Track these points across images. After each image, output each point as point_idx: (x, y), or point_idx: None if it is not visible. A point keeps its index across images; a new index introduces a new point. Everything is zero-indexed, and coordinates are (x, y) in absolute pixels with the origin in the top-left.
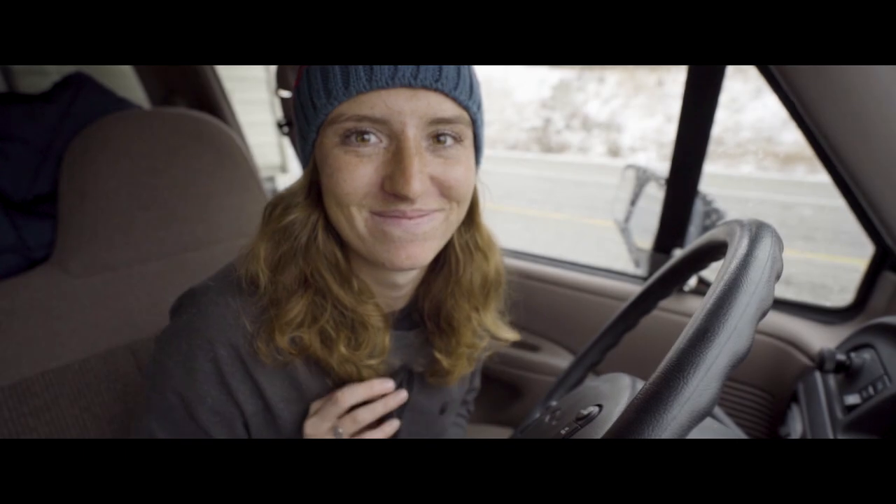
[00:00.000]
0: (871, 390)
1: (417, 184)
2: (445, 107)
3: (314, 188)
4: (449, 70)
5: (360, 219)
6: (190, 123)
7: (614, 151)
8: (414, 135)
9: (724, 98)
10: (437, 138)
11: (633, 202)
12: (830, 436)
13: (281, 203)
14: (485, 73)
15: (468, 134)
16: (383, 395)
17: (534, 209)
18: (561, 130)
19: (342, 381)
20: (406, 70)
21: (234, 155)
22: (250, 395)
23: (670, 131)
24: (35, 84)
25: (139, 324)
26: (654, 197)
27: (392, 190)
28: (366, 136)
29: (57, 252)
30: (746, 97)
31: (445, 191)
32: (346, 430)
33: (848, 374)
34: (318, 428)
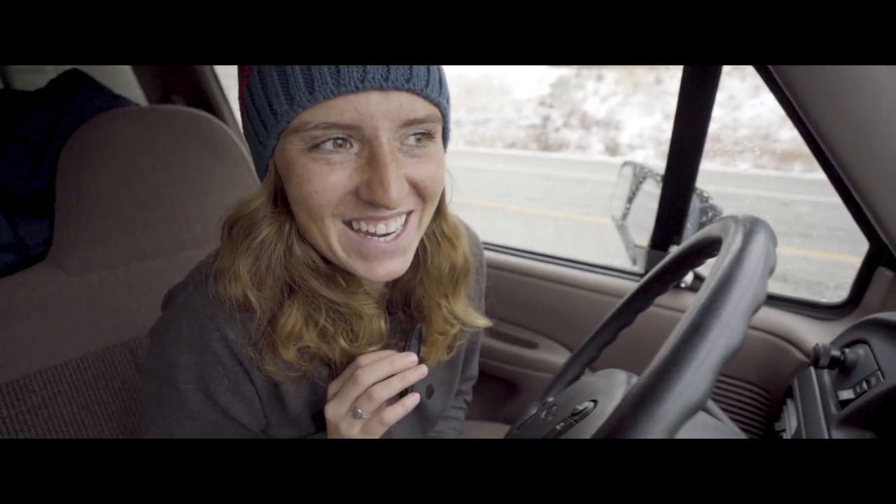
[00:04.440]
0: (864, 385)
1: (396, 190)
2: (417, 106)
3: (280, 197)
4: (419, 68)
5: (335, 231)
6: (187, 121)
7: (613, 149)
8: (387, 139)
9: (722, 96)
10: (412, 137)
11: (630, 199)
12: (824, 430)
13: (243, 218)
14: (483, 71)
15: (438, 129)
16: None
17: (532, 207)
18: (559, 128)
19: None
20: (376, 71)
21: (232, 152)
22: (259, 370)
23: (669, 129)
24: (31, 81)
25: (137, 322)
26: (652, 194)
27: (370, 198)
28: (338, 142)
29: (54, 250)
30: (744, 95)
31: (421, 190)
32: (365, 410)
33: (842, 369)
34: (338, 410)
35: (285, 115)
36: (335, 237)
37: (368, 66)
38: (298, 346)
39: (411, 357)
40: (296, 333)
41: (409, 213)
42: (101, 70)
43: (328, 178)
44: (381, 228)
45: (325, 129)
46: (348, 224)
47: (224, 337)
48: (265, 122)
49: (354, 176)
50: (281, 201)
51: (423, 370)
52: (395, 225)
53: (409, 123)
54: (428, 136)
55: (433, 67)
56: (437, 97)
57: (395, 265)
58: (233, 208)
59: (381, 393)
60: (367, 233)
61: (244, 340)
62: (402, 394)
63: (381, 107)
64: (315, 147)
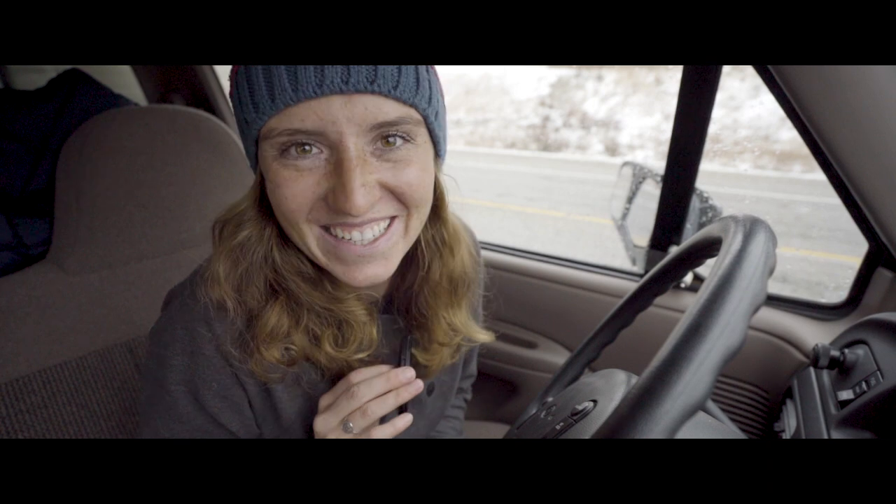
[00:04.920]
0: (863, 386)
1: (360, 198)
2: (387, 109)
3: (264, 200)
4: (386, 68)
5: (312, 236)
6: (187, 120)
7: (612, 149)
8: (354, 143)
9: (722, 96)
10: (385, 139)
11: (630, 199)
12: (824, 431)
13: (232, 220)
14: (482, 71)
15: (420, 132)
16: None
17: (532, 207)
18: (559, 128)
19: (335, 374)
20: (335, 75)
21: (231, 152)
22: (251, 374)
23: (668, 129)
24: (31, 81)
25: (136, 321)
26: (651, 194)
27: (335, 206)
28: (305, 148)
29: (53, 250)
30: (744, 95)
31: (399, 196)
32: (357, 426)
33: (841, 369)
34: (328, 423)
35: (254, 124)
36: (313, 241)
37: (326, 69)
38: (283, 347)
39: (408, 373)
40: (280, 334)
41: (392, 218)
42: (101, 70)
43: (296, 185)
44: (355, 236)
45: (290, 135)
46: (325, 228)
47: (214, 338)
48: (243, 131)
49: (323, 182)
50: (265, 206)
51: (419, 386)
52: (370, 233)
53: (379, 126)
54: (405, 138)
55: (407, 67)
56: (413, 99)
57: (376, 270)
58: (223, 210)
59: (377, 409)
60: (343, 239)
61: (229, 340)
62: (401, 409)
63: (343, 111)
64: (284, 152)
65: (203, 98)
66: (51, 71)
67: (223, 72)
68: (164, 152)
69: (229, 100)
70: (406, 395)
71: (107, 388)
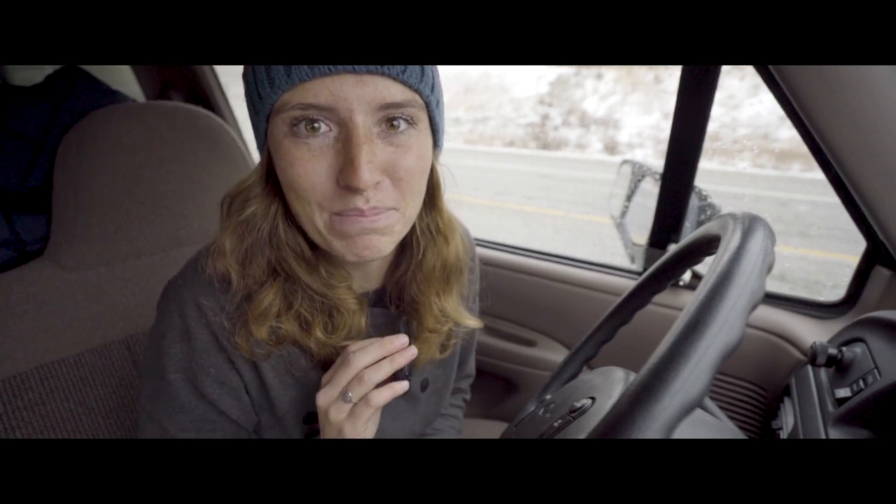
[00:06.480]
0: (861, 384)
1: (367, 173)
2: (394, 90)
3: (271, 178)
4: None
5: (321, 220)
6: (185, 117)
7: (611, 148)
8: (363, 121)
9: (721, 95)
10: (390, 123)
11: (629, 198)
12: (821, 429)
13: (239, 195)
14: (482, 69)
15: (422, 117)
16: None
17: (531, 205)
18: (558, 126)
19: (323, 361)
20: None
21: (229, 150)
22: (244, 361)
23: (667, 128)
24: (28, 77)
25: (134, 318)
26: (650, 192)
27: (344, 183)
28: (315, 125)
29: (51, 246)
30: (743, 94)
31: (397, 182)
32: (355, 394)
33: (839, 367)
34: (329, 396)
35: (268, 98)
36: (321, 222)
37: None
38: (272, 327)
39: (401, 339)
40: (272, 313)
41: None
42: (99, 66)
43: (310, 166)
44: (360, 201)
45: (302, 110)
46: (335, 214)
47: (209, 324)
48: (255, 107)
49: (334, 163)
50: (272, 182)
51: (413, 352)
52: (375, 199)
53: (387, 107)
54: (410, 122)
55: None
56: (418, 84)
57: (375, 242)
58: (232, 186)
59: (372, 376)
60: (349, 214)
61: (219, 309)
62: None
63: (355, 90)
64: (295, 127)
65: (202, 95)
66: (48, 67)
67: (222, 70)
68: (162, 149)
69: (228, 93)
70: (402, 360)
71: (104, 384)
